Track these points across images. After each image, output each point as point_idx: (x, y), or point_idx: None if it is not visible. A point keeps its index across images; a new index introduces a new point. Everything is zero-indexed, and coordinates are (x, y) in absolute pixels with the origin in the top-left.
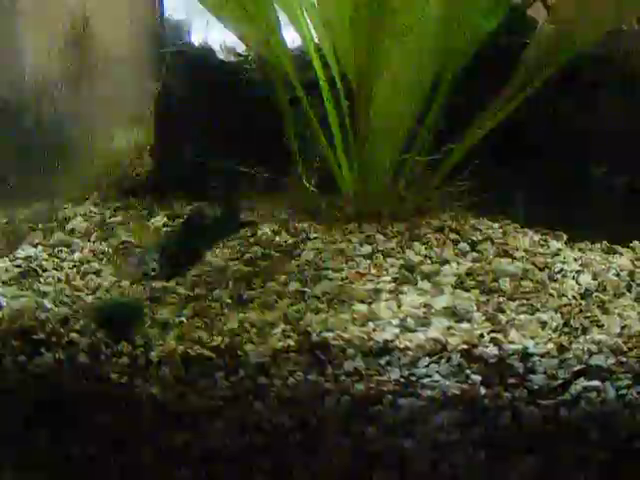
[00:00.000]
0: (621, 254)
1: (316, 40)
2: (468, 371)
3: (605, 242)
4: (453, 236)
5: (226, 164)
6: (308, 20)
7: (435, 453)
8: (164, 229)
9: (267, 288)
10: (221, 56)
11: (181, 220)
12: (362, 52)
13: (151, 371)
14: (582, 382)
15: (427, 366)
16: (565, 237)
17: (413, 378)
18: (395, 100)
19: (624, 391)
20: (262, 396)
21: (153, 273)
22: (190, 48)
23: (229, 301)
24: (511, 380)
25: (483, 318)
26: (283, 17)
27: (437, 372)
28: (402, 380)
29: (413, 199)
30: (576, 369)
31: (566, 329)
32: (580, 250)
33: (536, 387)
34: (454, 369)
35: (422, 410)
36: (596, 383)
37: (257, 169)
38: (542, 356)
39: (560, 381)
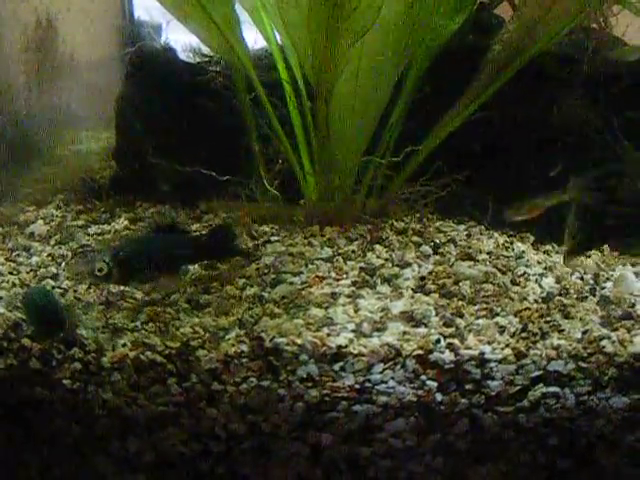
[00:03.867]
0: (588, 256)
1: (279, 40)
2: (424, 377)
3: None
4: (416, 239)
5: (187, 167)
6: (270, 20)
7: (392, 460)
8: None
9: (225, 292)
10: (184, 57)
11: (143, 224)
12: (319, 52)
13: (103, 377)
14: (541, 388)
15: (382, 372)
16: (532, 239)
17: (368, 384)
18: (355, 101)
19: (584, 397)
20: (215, 402)
21: (99, 274)
22: (150, 49)
23: (186, 306)
24: (468, 386)
25: (441, 323)
26: (247, 17)
27: (392, 378)
28: (357, 386)
29: (376, 201)
30: (534, 375)
31: (524, 334)
32: (545, 253)
33: (493, 393)
34: (409, 375)
35: (377, 417)
36: (555, 389)
37: (218, 171)
38: (499, 362)
39: (518, 387)
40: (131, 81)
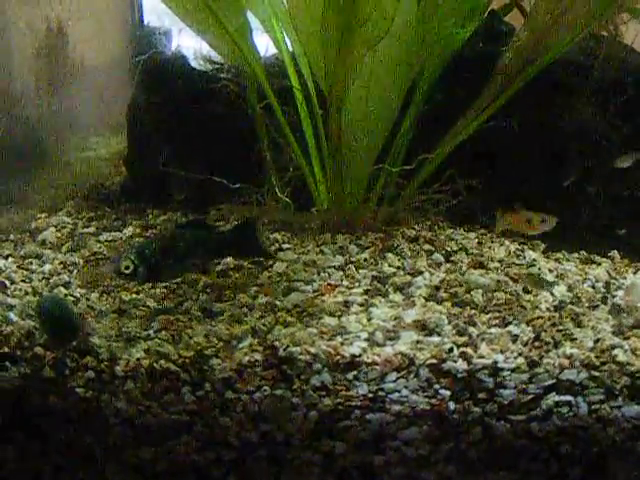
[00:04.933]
0: (599, 264)
1: (290, 47)
2: (437, 386)
3: (583, 252)
4: (427, 247)
5: (199, 174)
6: (281, 28)
7: (405, 468)
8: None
9: (237, 301)
10: (194, 64)
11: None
12: (331, 61)
13: (117, 385)
14: (553, 397)
15: (395, 381)
16: (543, 246)
17: (381, 393)
18: (367, 110)
19: (597, 406)
20: (229, 411)
21: (126, 271)
22: (161, 56)
23: (199, 314)
24: (481, 395)
25: (453, 332)
26: (259, 24)
27: (405, 387)
28: (370, 395)
29: (387, 209)
30: (547, 384)
31: (537, 343)
32: (556, 260)
33: (506, 402)
34: (423, 384)
35: (391, 425)
36: (568, 398)
37: (230, 179)
38: (512, 371)
39: (531, 396)
40: (142, 88)
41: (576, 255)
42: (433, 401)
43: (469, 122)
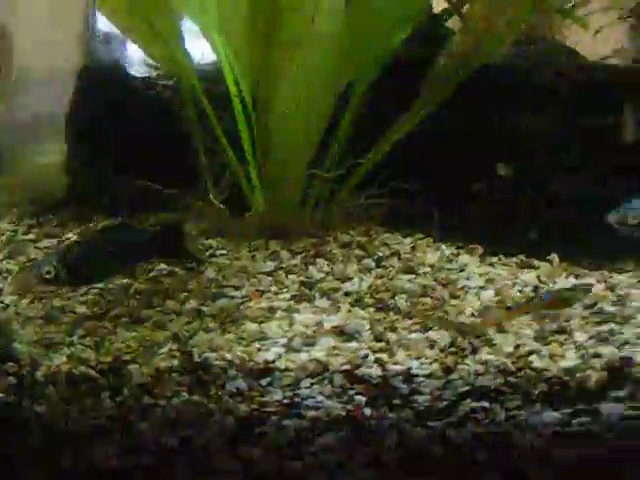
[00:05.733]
0: (537, 268)
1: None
2: (351, 392)
3: (522, 256)
4: (359, 252)
5: (137, 181)
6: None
7: (323, 474)
8: None
9: (165, 306)
10: (135, 71)
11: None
12: (257, 65)
13: (37, 390)
14: (469, 403)
15: (310, 387)
16: (481, 251)
17: (297, 399)
18: (297, 113)
19: (514, 412)
20: (147, 416)
21: (47, 276)
22: (98, 64)
23: (126, 320)
24: (396, 401)
25: (371, 338)
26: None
27: (320, 393)
28: (285, 401)
29: (322, 214)
30: (462, 390)
31: (453, 349)
32: (491, 265)
33: (422, 408)
34: (337, 390)
35: (308, 431)
36: (484, 404)
37: (169, 185)
38: (427, 377)
39: (447, 402)
40: (80, 96)
41: (515, 259)
42: (348, 407)
43: (401, 126)
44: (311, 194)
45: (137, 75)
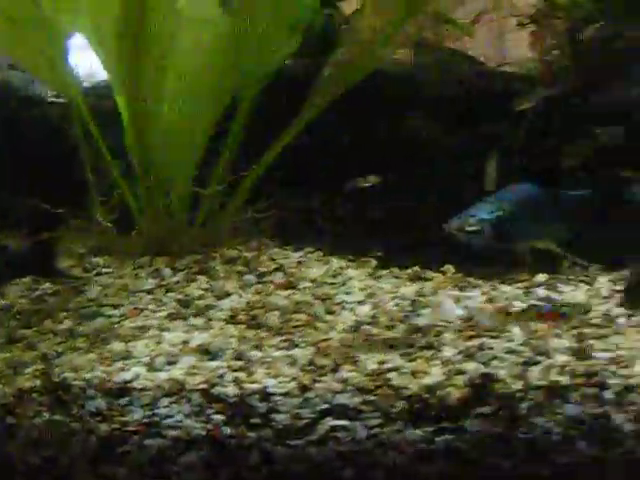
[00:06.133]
0: (429, 279)
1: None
2: (209, 411)
3: (417, 267)
4: (241, 268)
5: (30, 200)
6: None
7: None
8: None
9: (43, 326)
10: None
11: None
12: (132, 81)
13: None
14: (329, 421)
15: (168, 406)
16: (374, 263)
17: (156, 418)
18: (176, 131)
19: (376, 430)
20: (11, 436)
21: None
22: None
23: (2, 340)
24: (255, 420)
25: (233, 356)
26: None
27: (179, 412)
28: (145, 420)
29: (209, 230)
30: (320, 408)
31: (312, 367)
32: (378, 278)
33: (281, 427)
34: (195, 409)
35: (170, 450)
36: (344, 422)
37: (61, 203)
38: (284, 395)
39: (306, 421)
40: None
41: (409, 271)
42: (208, 426)
43: (284, 138)
44: (199, 210)
45: (29, 93)
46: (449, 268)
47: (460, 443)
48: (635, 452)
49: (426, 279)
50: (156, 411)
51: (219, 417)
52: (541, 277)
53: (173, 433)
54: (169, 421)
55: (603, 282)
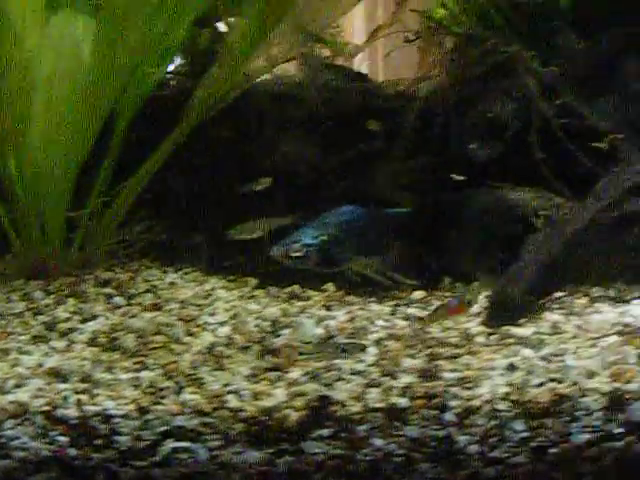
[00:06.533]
0: (307, 299)
1: None
2: (53, 432)
3: (296, 286)
4: (110, 290)
5: None
6: None
7: None
8: None
9: None
10: None
11: None
12: None
13: None
14: (170, 443)
15: (14, 428)
16: (255, 282)
17: (3, 440)
18: (46, 155)
19: (217, 452)
20: None
21: None
22: None
23: None
24: (98, 441)
25: (80, 378)
26: None
27: (25, 434)
28: None
29: (83, 253)
30: (160, 430)
31: (153, 389)
32: (251, 298)
33: (124, 448)
34: (40, 431)
35: (19, 471)
36: (185, 444)
37: None
38: (123, 417)
39: (147, 442)
40: None
41: (289, 289)
42: (53, 447)
43: (155, 162)
44: (79, 232)
45: None
46: (329, 286)
47: (301, 465)
48: (480, 474)
49: (303, 298)
50: (2, 433)
51: (63, 439)
52: (418, 294)
53: (20, 455)
54: (16, 443)
55: (480, 298)
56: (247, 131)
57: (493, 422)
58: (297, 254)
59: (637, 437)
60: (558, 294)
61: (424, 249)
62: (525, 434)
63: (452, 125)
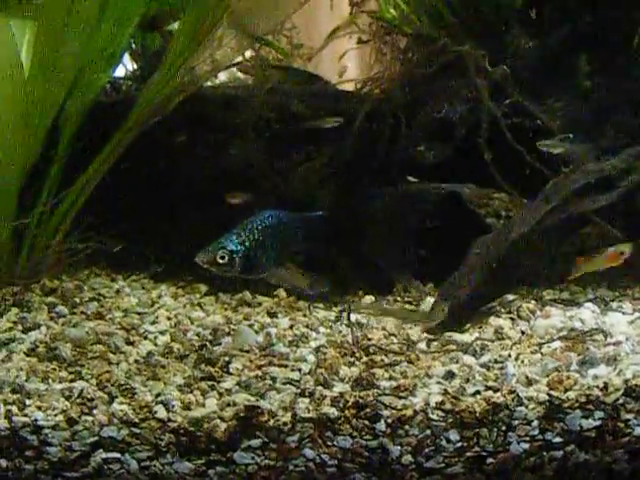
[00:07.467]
0: (257, 305)
1: None
2: None
3: (247, 293)
4: (53, 299)
5: None
6: None
7: None
8: None
9: None
10: None
11: None
12: None
13: None
14: (101, 454)
15: None
16: (205, 290)
17: None
18: None
19: (147, 463)
20: None
21: None
22: None
23: None
24: (29, 452)
25: (10, 389)
26: None
27: None
28: None
29: (30, 262)
30: (89, 441)
31: (80, 400)
32: (197, 305)
33: (56, 459)
34: None
35: None
36: (116, 455)
37: None
38: (53, 428)
39: (78, 453)
40: None
41: (240, 296)
42: None
43: (97, 169)
44: (26, 241)
45: None
46: (281, 292)
47: (233, 476)
48: None
49: (253, 305)
50: None
51: None
52: (367, 299)
53: None
54: None
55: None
56: (197, 135)
57: (427, 432)
58: (223, 261)
59: (577, 446)
60: (509, 297)
61: (337, 252)
62: (460, 444)
63: (401, 126)
